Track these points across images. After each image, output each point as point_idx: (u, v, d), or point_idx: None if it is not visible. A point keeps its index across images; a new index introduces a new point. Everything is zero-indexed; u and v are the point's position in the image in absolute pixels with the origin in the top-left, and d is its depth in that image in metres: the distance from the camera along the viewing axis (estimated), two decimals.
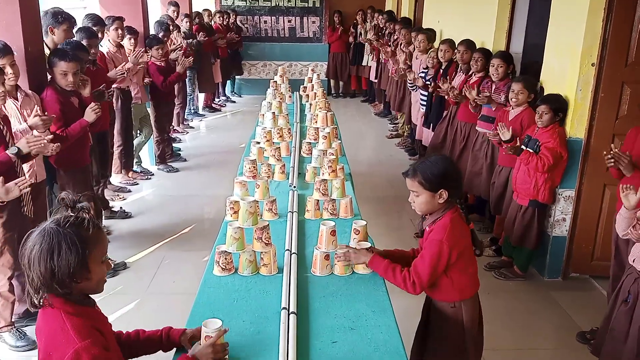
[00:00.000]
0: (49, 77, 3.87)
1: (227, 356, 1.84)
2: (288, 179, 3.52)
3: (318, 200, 3.02)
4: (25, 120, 3.50)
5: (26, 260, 1.56)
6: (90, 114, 3.87)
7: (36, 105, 3.46)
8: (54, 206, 1.66)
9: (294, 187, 3.37)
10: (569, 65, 3.88)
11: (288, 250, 2.52)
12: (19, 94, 3.54)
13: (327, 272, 2.40)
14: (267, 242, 2.42)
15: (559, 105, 3.85)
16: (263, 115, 4.61)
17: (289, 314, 2.04)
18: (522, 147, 3.89)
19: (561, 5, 4.04)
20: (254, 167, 3.17)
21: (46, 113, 3.49)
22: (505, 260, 4.30)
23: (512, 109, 4.29)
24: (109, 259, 1.78)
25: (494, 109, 4.62)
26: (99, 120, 4.12)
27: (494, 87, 4.73)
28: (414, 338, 2.50)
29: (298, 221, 2.90)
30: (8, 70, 3.35)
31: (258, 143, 3.89)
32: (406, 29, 7.70)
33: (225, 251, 2.38)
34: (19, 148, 3.14)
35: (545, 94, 4.11)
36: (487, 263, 4.34)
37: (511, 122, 4.21)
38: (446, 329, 2.33)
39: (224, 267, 2.39)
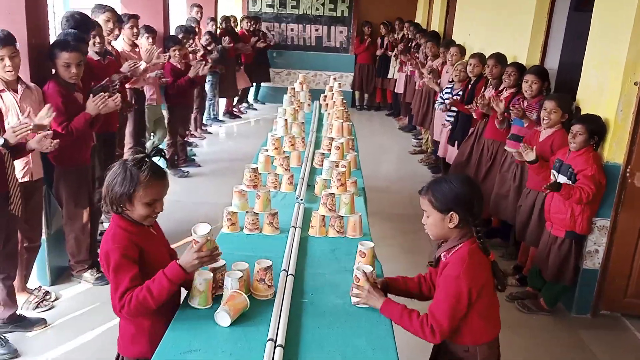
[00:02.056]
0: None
1: (219, 258, 1.98)
2: (296, 190, 3.26)
3: (324, 216, 2.74)
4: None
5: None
6: (92, 107, 3.65)
7: (29, 107, 3.22)
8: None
9: (301, 199, 3.11)
10: (609, 83, 3.55)
11: (284, 270, 2.25)
12: (19, 87, 3.35)
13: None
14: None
15: (596, 128, 3.51)
16: (277, 122, 4.37)
17: (275, 347, 1.77)
18: (557, 178, 3.56)
19: (604, 16, 3.71)
20: (255, 175, 2.91)
21: (49, 107, 3.24)
22: (530, 292, 3.94)
23: (544, 129, 3.96)
24: None
25: (525, 124, 4.29)
26: (105, 118, 3.92)
27: (525, 104, 4.41)
28: None
29: (301, 238, 2.63)
30: (7, 62, 3.17)
31: (267, 151, 3.63)
32: (432, 42, 7.43)
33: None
34: (5, 139, 2.94)
35: (582, 113, 3.78)
36: (510, 293, 3.98)
37: (541, 143, 3.89)
38: None
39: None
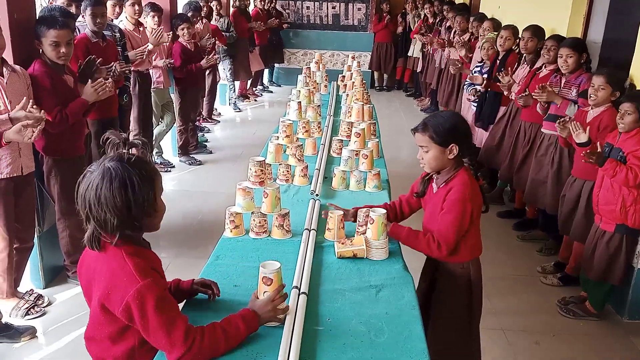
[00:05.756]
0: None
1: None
2: (310, 183, 2.86)
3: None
4: (10, 101, 2.96)
5: (93, 201, 1.49)
6: (91, 93, 3.32)
7: (24, 97, 2.87)
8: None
9: (316, 195, 2.71)
10: None
11: (296, 288, 1.85)
12: (4, 70, 2.99)
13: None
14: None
15: None
16: (290, 105, 3.95)
17: None
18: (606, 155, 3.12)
19: None
20: (261, 170, 2.50)
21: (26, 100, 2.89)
22: (585, 297, 3.49)
23: (592, 108, 3.50)
24: None
25: (558, 104, 3.87)
26: (101, 104, 3.56)
27: (563, 81, 3.96)
28: None
29: (315, 243, 2.24)
30: None
31: (277, 138, 3.24)
32: (461, 16, 6.93)
33: None
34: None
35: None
36: (562, 298, 3.53)
37: (588, 125, 3.43)
38: (455, 287, 2.28)
39: None
